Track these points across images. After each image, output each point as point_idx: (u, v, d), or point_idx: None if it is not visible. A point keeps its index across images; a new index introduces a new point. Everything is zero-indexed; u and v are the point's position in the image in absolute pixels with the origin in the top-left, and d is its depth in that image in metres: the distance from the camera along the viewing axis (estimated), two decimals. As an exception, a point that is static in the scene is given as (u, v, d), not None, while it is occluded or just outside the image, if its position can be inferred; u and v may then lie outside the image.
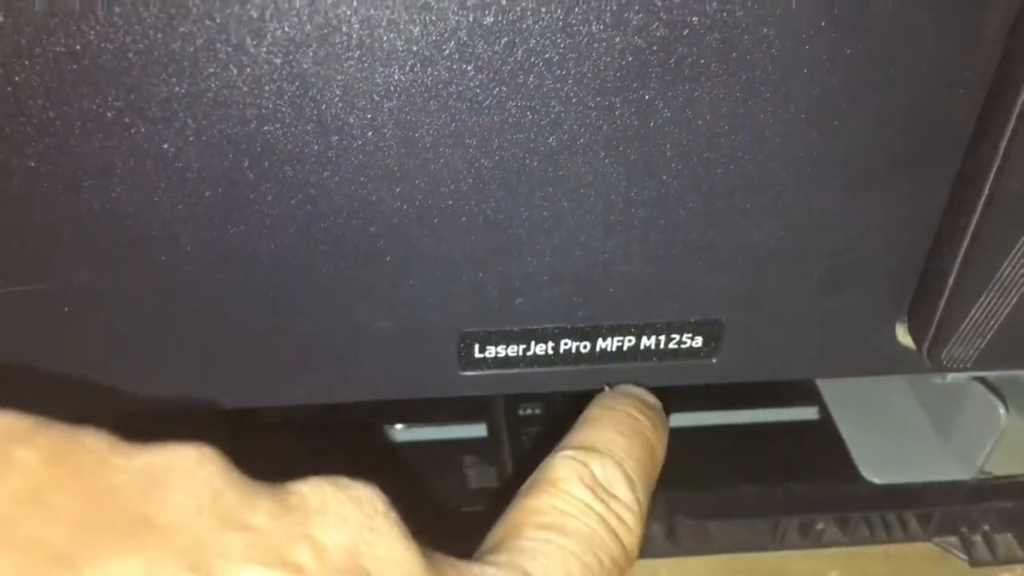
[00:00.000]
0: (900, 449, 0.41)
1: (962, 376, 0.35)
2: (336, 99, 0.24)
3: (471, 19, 0.23)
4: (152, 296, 0.27)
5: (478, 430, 0.42)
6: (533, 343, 0.30)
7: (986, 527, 0.39)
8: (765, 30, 0.24)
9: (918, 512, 0.39)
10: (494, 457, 0.40)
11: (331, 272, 0.27)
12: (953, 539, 0.39)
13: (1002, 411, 0.38)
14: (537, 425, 0.42)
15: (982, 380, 0.39)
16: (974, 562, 0.39)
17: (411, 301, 0.28)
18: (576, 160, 0.25)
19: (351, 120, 0.24)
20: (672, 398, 0.43)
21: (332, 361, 0.29)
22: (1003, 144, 0.25)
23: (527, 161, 0.25)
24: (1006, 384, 0.39)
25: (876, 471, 0.40)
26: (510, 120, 0.25)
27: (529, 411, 0.43)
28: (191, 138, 0.24)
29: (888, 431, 0.42)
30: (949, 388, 0.39)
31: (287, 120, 0.24)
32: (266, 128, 0.24)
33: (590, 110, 0.25)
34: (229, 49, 0.23)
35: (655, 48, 0.24)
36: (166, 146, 0.24)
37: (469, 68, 0.24)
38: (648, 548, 0.38)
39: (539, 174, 0.25)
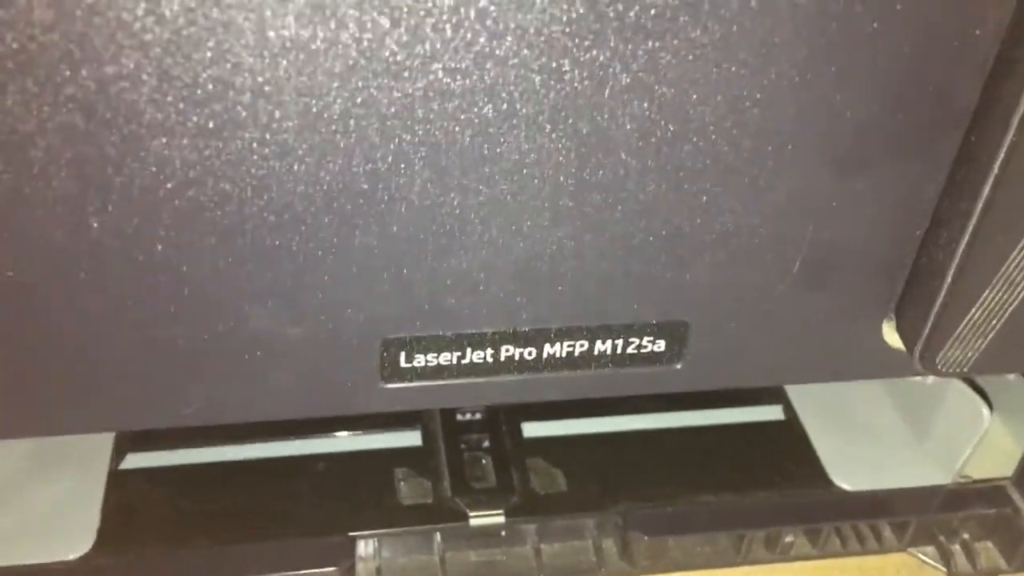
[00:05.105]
0: (873, 452, 0.38)
1: (942, 373, 0.32)
2: (215, 56, 0.19)
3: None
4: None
5: (411, 438, 0.38)
6: (469, 350, 0.26)
7: (966, 535, 0.37)
8: (744, -23, 0.20)
9: (893, 521, 0.37)
10: (429, 468, 0.36)
11: (220, 269, 0.22)
12: (930, 549, 0.37)
13: (986, 411, 0.35)
14: (477, 431, 0.38)
15: (963, 377, 0.36)
16: (953, 573, 0.36)
17: (322, 304, 0.24)
18: (517, 134, 0.22)
19: (238, 82, 0.20)
20: (623, 397, 0.39)
21: (226, 376, 0.24)
22: (1016, 116, 0.22)
23: (458, 135, 0.21)
24: (988, 381, 0.36)
25: (847, 477, 0.37)
26: (436, 85, 0.21)
27: (468, 416, 0.39)
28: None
29: (860, 433, 0.39)
30: (926, 386, 0.36)
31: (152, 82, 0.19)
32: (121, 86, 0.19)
33: (532, 73, 0.21)
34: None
35: (611, -2, 0.20)
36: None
37: (383, 19, 0.19)
38: (601, 567, 0.35)
39: (472, 151, 0.22)
